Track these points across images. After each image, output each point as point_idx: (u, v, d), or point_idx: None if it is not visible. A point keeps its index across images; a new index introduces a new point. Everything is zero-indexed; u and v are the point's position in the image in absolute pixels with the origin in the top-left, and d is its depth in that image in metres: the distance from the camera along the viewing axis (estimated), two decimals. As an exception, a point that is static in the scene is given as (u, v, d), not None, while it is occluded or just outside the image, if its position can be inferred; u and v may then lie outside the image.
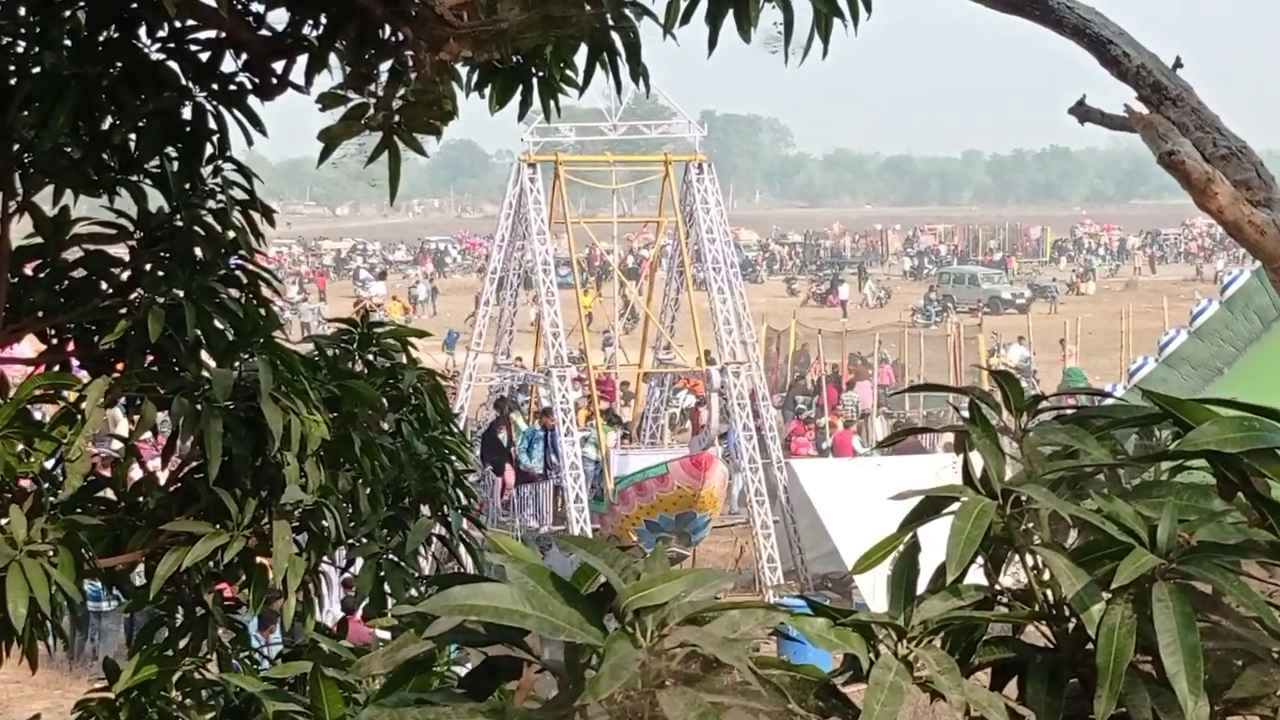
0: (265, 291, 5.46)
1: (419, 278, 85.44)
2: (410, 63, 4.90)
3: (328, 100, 4.95)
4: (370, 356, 5.93)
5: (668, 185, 28.65)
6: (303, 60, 5.14)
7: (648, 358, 30.70)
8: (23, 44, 5.13)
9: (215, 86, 5.28)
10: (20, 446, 4.98)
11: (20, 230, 5.34)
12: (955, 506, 2.84)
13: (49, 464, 5.18)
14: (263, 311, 5.40)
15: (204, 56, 5.27)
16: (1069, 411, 3.10)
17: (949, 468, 3.16)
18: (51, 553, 4.85)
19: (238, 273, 5.43)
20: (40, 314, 5.36)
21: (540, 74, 5.29)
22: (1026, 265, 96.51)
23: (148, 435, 5.19)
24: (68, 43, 5.12)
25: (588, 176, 32.09)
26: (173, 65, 5.24)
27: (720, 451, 28.55)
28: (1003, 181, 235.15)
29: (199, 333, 5.19)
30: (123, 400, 5.32)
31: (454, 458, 6.04)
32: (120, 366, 5.31)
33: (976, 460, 2.94)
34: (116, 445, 6.01)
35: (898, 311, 66.82)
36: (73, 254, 5.39)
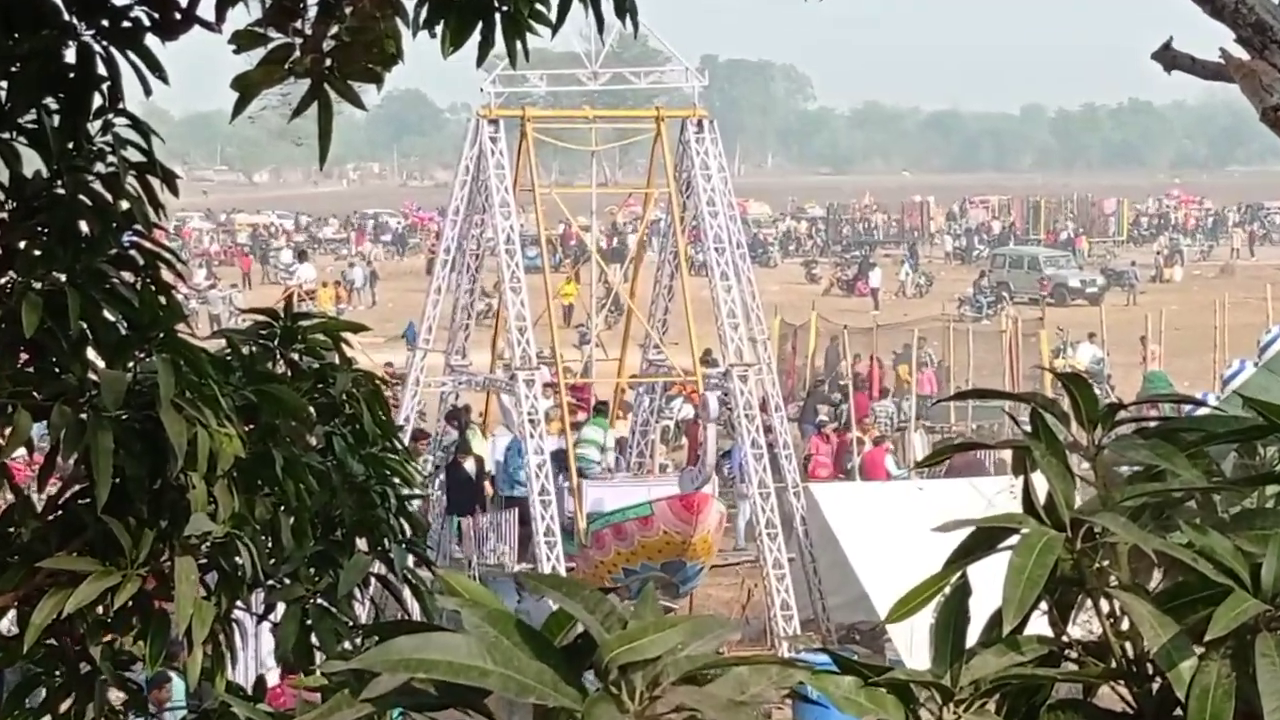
0: (166, 275, 5.45)
1: (355, 259, 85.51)
2: (345, -6, 4.90)
3: (244, 40, 4.94)
4: (295, 355, 5.92)
5: (659, 147, 28.67)
6: (213, -10, 5.13)
7: (635, 359, 30.72)
8: None
9: (105, 23, 5.26)
10: None
11: None
12: (1014, 540, 2.84)
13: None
14: (163, 300, 5.39)
15: (92, -14, 5.27)
16: (1153, 424, 3.10)
17: (1006, 493, 3.16)
18: (-98, 595, 4.84)
19: (132, 252, 5.42)
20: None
21: (504, 9, 5.29)
22: (1099, 246, 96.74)
23: (21, 452, 5.17)
24: (-77, -31, 5.11)
25: (562, 136, 32.03)
26: (53, -4, 5.23)
27: (723, 474, 28.53)
28: (1070, 143, 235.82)
29: (84, 325, 5.18)
30: (-9, 408, 5.30)
31: (397, 480, 6.04)
32: (-12, 367, 5.30)
33: (1039, 483, 2.94)
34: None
35: (941, 302, 66.94)
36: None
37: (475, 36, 5.28)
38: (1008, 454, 3.10)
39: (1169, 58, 4.99)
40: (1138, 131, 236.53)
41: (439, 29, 5.24)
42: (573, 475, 26.63)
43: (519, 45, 5.34)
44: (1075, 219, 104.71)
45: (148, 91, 5.34)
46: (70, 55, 5.28)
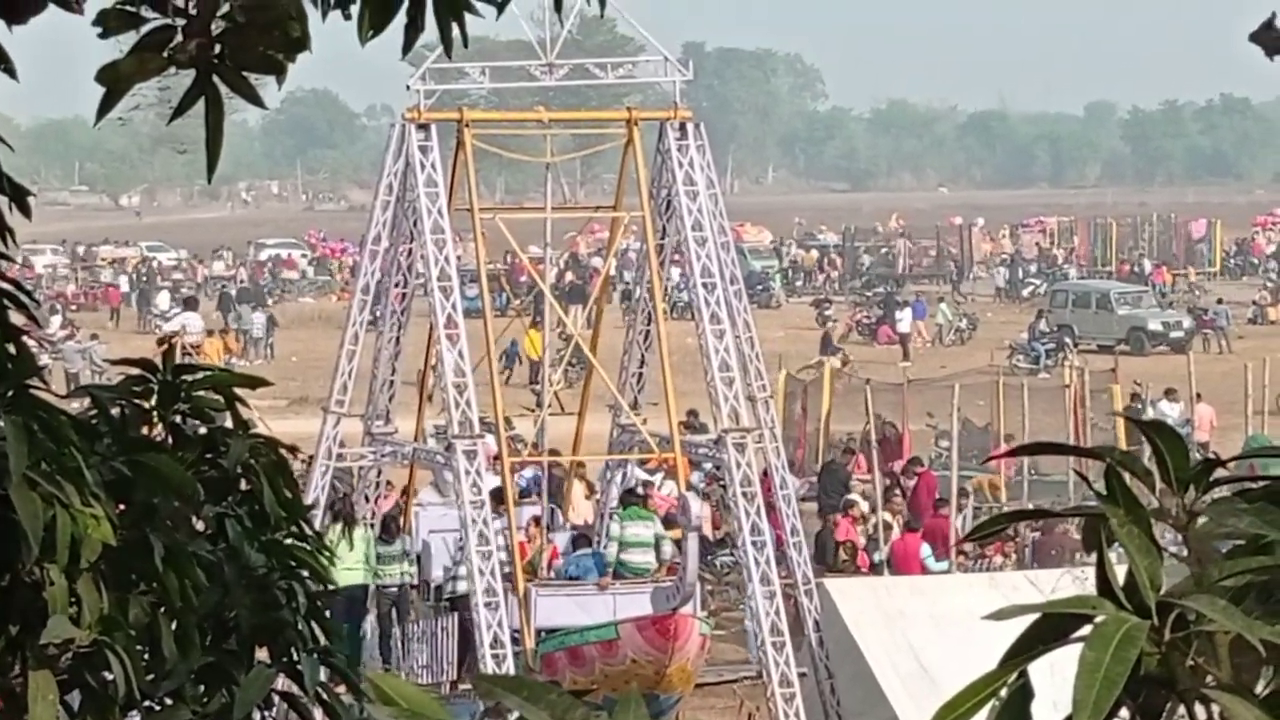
0: (15, 318, 5.45)
1: (249, 302, 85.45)
2: (238, -35, 4.91)
3: (112, 21, 4.95)
4: (178, 418, 5.92)
5: (631, 157, 28.71)
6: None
7: (603, 426, 30.70)
8: None
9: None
10: None
11: None
12: (1086, 630, 2.84)
13: None
14: (11, 348, 5.39)
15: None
16: (1258, 485, 3.11)
17: (1066, 578, 3.18)
18: None
19: (-30, 289, 5.42)
20: None
21: (438, -18, 5.29)
22: (1186, 280, 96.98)
23: None
24: None
25: (509, 145, 32.06)
26: None
27: (715, 568, 28.41)
28: (1148, 151, 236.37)
29: (-89, 382, 5.18)
30: None
31: (306, 573, 6.03)
32: None
33: (1118, 562, 2.94)
34: None
35: (988, 350, 67.02)
36: None
37: (400, 18, 5.25)
38: (1079, 528, 3.10)
39: (1272, 40, 5.02)
40: (1232, 136, 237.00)
41: (354, 8, 5.21)
42: (518, 579, 26.53)
43: (455, 29, 5.32)
44: (1155, 246, 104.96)
45: (-11, 91, 5.35)
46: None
